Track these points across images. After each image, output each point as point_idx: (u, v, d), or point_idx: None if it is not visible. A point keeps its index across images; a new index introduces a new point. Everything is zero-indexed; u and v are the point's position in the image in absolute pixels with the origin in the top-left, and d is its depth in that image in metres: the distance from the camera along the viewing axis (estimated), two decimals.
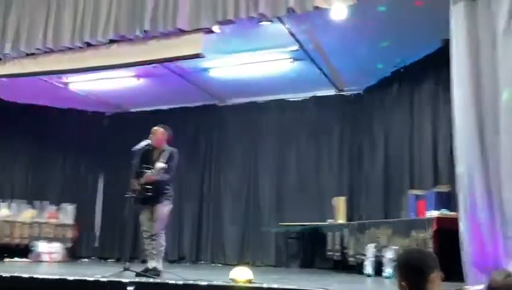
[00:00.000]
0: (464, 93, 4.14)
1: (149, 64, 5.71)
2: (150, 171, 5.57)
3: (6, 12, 5.92)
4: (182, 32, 5.13)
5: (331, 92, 9.27)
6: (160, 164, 5.58)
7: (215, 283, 4.45)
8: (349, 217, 8.30)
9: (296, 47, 7.40)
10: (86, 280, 4.70)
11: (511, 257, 3.80)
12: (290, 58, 7.83)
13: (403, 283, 2.17)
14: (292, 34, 6.93)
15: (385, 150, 8.20)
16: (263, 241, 9.39)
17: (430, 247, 5.43)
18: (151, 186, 5.59)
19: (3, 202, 9.87)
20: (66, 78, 8.86)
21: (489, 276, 2.93)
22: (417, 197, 6.58)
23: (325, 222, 8.22)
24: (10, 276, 4.93)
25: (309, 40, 7.20)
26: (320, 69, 8.15)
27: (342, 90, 9.21)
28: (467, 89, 4.12)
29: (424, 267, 2.16)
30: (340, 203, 8.20)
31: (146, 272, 5.48)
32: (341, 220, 7.99)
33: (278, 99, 9.71)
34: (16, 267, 7.46)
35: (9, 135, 10.31)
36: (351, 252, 7.17)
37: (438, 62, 6.82)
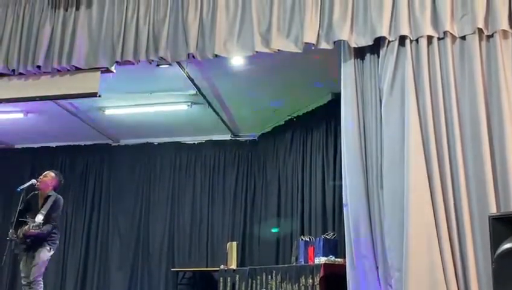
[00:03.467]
0: (351, 147, 4.39)
1: (40, 100, 5.46)
2: (28, 224, 5.30)
3: None
4: (78, 70, 5.00)
5: (227, 136, 9.41)
6: (38, 218, 5.34)
7: None
8: (242, 263, 8.33)
9: (194, 91, 7.47)
10: None
11: None
12: (188, 102, 7.88)
13: None
14: (191, 79, 7.00)
15: (278, 195, 8.41)
16: (152, 287, 9.11)
17: None
18: (30, 239, 5.34)
19: None
20: None
21: None
22: (307, 243, 6.75)
23: (218, 267, 8.16)
24: None
25: (207, 85, 7.31)
26: (217, 114, 8.27)
27: (238, 136, 9.39)
28: (354, 143, 4.37)
29: None
30: (232, 248, 8.20)
31: None
32: (233, 265, 7.97)
33: (173, 142, 9.66)
34: None
35: None
36: None
37: (328, 113, 7.21)
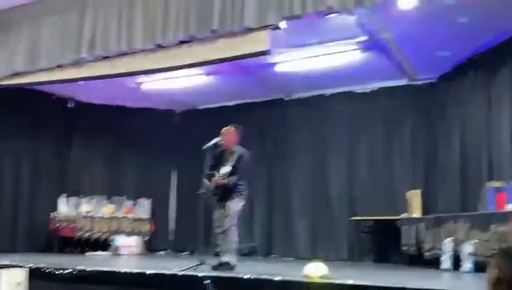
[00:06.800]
0: None
1: (217, 62, 5.78)
2: (216, 176, 5.70)
3: (81, 17, 6.16)
4: (249, 30, 5.15)
5: (402, 82, 9.04)
6: (225, 169, 5.70)
7: (288, 278, 4.46)
8: (425, 211, 8.08)
9: (365, 37, 7.27)
10: (164, 274, 4.85)
11: None
12: (359, 49, 7.70)
13: (498, 273, 2.09)
14: (361, 25, 6.80)
15: (461, 140, 7.92)
16: (334, 235, 9.32)
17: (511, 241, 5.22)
18: (220, 189, 5.74)
19: (84, 198, 10.35)
20: (138, 79, 9.16)
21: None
22: (496, 189, 6.31)
23: (398, 215, 8.04)
24: (92, 270, 5.19)
25: (378, 30, 7.04)
26: (390, 59, 7.96)
27: (414, 80, 8.95)
28: None
29: None
30: (414, 197, 8.00)
31: (220, 266, 5.58)
32: (416, 214, 7.79)
33: (346, 92, 9.57)
34: (97, 260, 7.82)
35: (87, 135, 10.82)
36: (427, 246, 6.97)
37: None
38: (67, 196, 10.23)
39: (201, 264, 5.41)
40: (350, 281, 4.16)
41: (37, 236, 9.87)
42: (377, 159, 9.20)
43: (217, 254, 6.11)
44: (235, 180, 5.78)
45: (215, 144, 5.91)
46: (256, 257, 9.60)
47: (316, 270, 4.57)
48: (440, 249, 6.61)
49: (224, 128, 5.98)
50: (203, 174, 5.80)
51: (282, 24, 5.05)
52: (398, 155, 9.03)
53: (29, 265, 5.21)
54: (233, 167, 5.78)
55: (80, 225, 9.86)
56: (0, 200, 9.38)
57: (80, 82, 6.95)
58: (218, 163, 5.91)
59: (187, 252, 10.42)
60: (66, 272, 5.16)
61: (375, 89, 9.35)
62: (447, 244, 6.45)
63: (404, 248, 7.57)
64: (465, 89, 7.90)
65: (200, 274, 4.63)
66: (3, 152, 9.55)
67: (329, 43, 7.55)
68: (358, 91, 9.50)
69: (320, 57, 8.02)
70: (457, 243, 6.26)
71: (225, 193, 5.80)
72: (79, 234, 9.81)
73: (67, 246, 9.85)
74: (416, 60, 8.13)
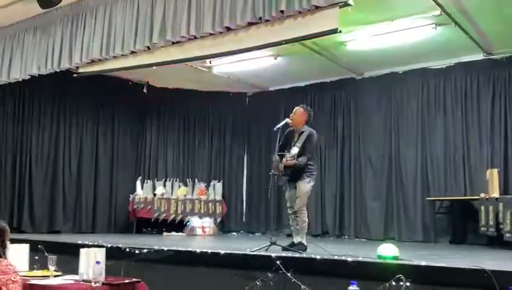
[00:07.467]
0: None
1: (286, 43, 5.73)
2: (286, 156, 5.70)
3: (152, 3, 6.29)
4: (317, 8, 5.07)
5: (479, 56, 8.64)
6: (294, 150, 5.70)
7: (361, 259, 4.42)
8: (504, 191, 7.73)
9: (438, 11, 6.99)
10: (237, 254, 4.95)
11: None
12: (432, 23, 7.42)
13: None
14: None
15: None
16: (408, 216, 9.12)
17: None
18: (290, 170, 5.75)
19: (158, 181, 10.69)
20: (209, 63, 9.30)
21: None
22: None
23: (477, 195, 7.74)
24: (169, 249, 5.39)
25: (452, 2, 6.75)
26: (465, 32, 7.62)
27: (492, 54, 8.54)
28: None
29: None
30: (493, 176, 7.66)
31: (292, 246, 5.62)
32: (495, 193, 7.46)
33: (419, 68, 9.28)
34: (173, 241, 8.08)
35: (161, 119, 11.14)
36: (507, 227, 6.68)
37: None
38: (143, 179, 10.61)
39: (272, 244, 5.46)
40: (424, 263, 4.06)
41: (116, 218, 10.33)
42: (452, 137, 8.87)
43: (289, 235, 6.15)
44: (305, 161, 5.77)
45: (285, 125, 5.92)
46: (328, 238, 9.60)
47: (389, 251, 4.50)
48: None
49: (294, 110, 5.98)
50: (274, 155, 5.83)
51: (352, 1, 4.92)
52: (475, 133, 8.67)
53: (108, 245, 5.46)
54: (302, 147, 5.77)
55: (156, 206, 10.21)
56: (81, 184, 9.86)
57: (153, 67, 7.12)
58: (287, 144, 5.93)
59: (259, 233, 10.56)
60: (144, 251, 5.39)
61: (451, 64, 9.00)
62: None
63: (483, 229, 7.29)
64: None
65: (273, 255, 4.67)
66: (84, 136, 10.01)
67: (401, 19, 7.32)
68: (433, 67, 9.18)
69: (392, 34, 7.79)
70: None
71: (295, 173, 5.81)
72: (155, 215, 10.16)
73: (145, 227, 10.25)
74: (493, 33, 7.74)
